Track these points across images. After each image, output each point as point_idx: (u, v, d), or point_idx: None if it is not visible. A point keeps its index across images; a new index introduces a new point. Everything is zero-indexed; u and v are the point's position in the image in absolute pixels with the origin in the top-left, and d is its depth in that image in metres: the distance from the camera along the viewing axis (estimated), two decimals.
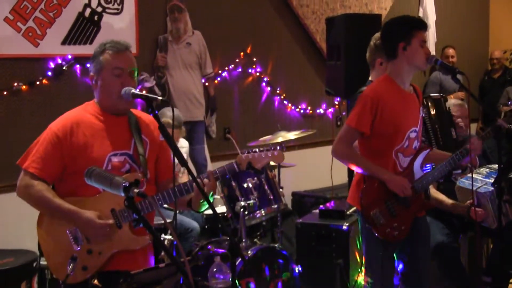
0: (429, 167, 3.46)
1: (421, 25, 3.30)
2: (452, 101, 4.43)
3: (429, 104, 4.15)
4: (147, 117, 2.85)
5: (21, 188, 2.68)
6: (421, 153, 3.36)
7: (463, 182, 4.07)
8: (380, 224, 3.25)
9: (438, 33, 8.48)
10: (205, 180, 2.66)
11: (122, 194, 2.00)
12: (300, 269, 4.12)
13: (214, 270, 2.84)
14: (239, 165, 2.67)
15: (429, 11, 8.39)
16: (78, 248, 2.61)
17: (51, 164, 2.65)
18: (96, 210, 2.61)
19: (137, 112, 2.84)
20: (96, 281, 2.57)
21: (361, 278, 4.36)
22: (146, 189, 2.73)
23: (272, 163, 4.64)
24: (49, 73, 5.01)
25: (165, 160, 2.87)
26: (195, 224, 4.71)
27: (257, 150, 2.70)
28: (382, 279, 3.31)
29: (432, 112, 4.13)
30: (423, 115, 3.49)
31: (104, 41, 2.76)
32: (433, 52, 8.24)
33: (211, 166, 5.86)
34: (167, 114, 4.61)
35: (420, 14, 8.34)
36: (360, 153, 3.36)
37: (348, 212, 4.57)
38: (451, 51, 8.27)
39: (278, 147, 2.74)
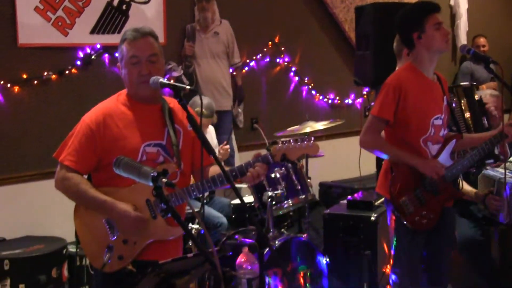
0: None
1: (432, 8, 3.24)
2: (487, 91, 4.36)
3: (459, 93, 4.08)
4: (179, 106, 2.83)
5: (59, 181, 2.70)
6: (450, 142, 3.31)
7: (489, 172, 4.00)
8: (409, 212, 3.24)
9: (469, 21, 8.33)
10: (258, 169, 2.60)
11: (151, 184, 1.99)
12: (327, 260, 4.10)
13: (242, 260, 2.85)
14: (274, 156, 2.63)
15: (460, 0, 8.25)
16: (114, 238, 2.62)
17: (85, 157, 2.65)
18: (130, 200, 2.61)
19: (171, 100, 2.81)
20: (131, 267, 2.59)
21: (388, 269, 4.32)
22: (180, 180, 2.71)
23: None
24: (78, 62, 5.04)
25: (198, 146, 2.81)
26: (223, 219, 4.70)
27: (291, 141, 2.65)
28: (409, 268, 3.29)
29: (463, 101, 4.07)
30: (454, 105, 3.44)
31: (126, 30, 2.74)
32: (464, 42, 8.11)
33: (238, 156, 5.85)
34: (198, 103, 4.58)
35: (452, 3, 8.20)
36: None
37: (376, 203, 4.53)
38: (482, 40, 8.12)
39: (312, 138, 2.67)
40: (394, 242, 3.38)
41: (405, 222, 3.24)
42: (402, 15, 3.31)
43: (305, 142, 2.63)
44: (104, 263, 2.56)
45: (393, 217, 3.31)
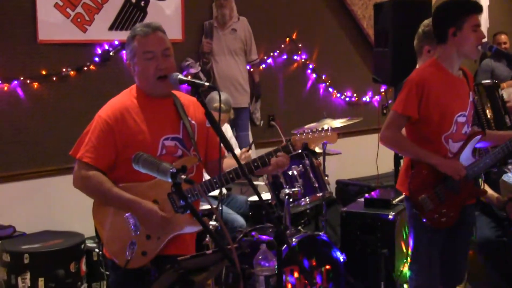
0: (481, 144, 3.36)
1: (475, 8, 3.19)
2: (510, 89, 4.31)
3: (481, 91, 4.04)
4: (190, 99, 2.81)
5: (78, 180, 2.67)
6: (472, 139, 3.28)
7: (509, 177, 3.96)
8: (428, 210, 3.21)
9: (490, 18, 8.24)
10: (280, 158, 2.61)
11: (169, 180, 2.00)
12: (344, 258, 4.08)
13: (260, 257, 2.85)
14: (294, 146, 2.63)
15: None
16: (137, 234, 2.60)
17: (104, 152, 2.63)
18: (152, 195, 2.61)
19: (179, 94, 2.81)
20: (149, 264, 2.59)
21: (406, 268, 4.30)
22: (196, 173, 2.71)
23: (318, 150, 4.64)
24: (96, 59, 5.07)
25: (214, 140, 2.84)
26: (240, 219, 4.70)
27: (309, 131, 2.65)
28: (428, 266, 3.27)
29: (485, 99, 4.03)
30: (474, 101, 3.40)
31: (134, 26, 2.73)
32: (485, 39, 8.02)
33: (255, 153, 5.84)
34: (216, 99, 4.58)
35: None
36: None
37: (393, 202, 4.51)
38: (503, 37, 8.02)
39: (330, 128, 2.68)
40: (412, 239, 3.36)
41: (424, 220, 3.22)
42: (444, 7, 3.25)
43: (324, 131, 2.65)
44: (128, 260, 2.54)
45: (413, 214, 3.29)
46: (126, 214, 2.62)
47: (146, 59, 2.64)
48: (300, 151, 2.64)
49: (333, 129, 2.70)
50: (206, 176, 2.85)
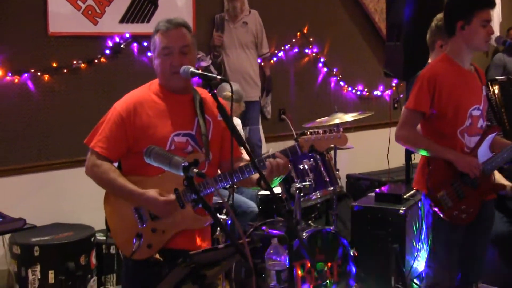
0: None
1: (487, 3, 3.14)
2: None
3: (495, 87, 4.00)
4: (210, 96, 2.80)
5: (89, 167, 2.70)
6: (489, 134, 3.24)
7: None
8: (447, 206, 3.17)
9: (503, 12, 8.16)
10: (279, 160, 2.56)
11: (181, 174, 1.98)
12: (355, 252, 4.07)
13: (271, 251, 2.83)
14: (302, 147, 2.59)
15: None
16: (143, 226, 2.63)
17: (116, 144, 2.66)
18: (159, 189, 2.61)
19: (202, 90, 2.81)
20: (157, 255, 2.60)
21: (416, 263, 4.28)
22: (208, 171, 2.70)
23: None
24: (107, 52, 5.06)
25: (228, 137, 2.80)
26: (253, 205, 4.70)
27: (320, 131, 2.61)
28: (447, 263, 3.24)
29: (498, 96, 3.98)
30: (490, 98, 3.36)
31: (159, 21, 2.73)
32: (497, 33, 7.95)
33: (265, 147, 5.83)
34: (226, 88, 4.56)
35: None
36: None
37: (404, 196, 4.48)
38: None
39: (341, 129, 2.63)
40: (431, 237, 3.33)
41: (443, 217, 3.18)
42: (454, 1, 3.21)
43: (334, 134, 2.59)
44: (134, 251, 2.57)
45: (431, 212, 3.25)
46: (132, 207, 2.63)
47: (164, 55, 2.65)
48: (308, 153, 2.56)
49: (344, 131, 2.62)
50: None
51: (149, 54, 5.01)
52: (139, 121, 2.65)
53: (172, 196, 2.55)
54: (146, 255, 2.63)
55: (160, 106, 2.69)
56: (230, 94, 4.37)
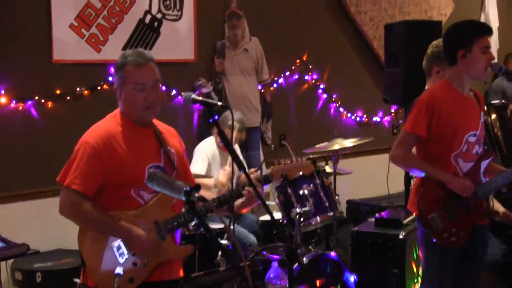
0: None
1: (485, 30, 3.23)
2: None
3: (491, 111, 4.05)
4: (166, 128, 2.85)
5: (67, 207, 2.64)
6: (484, 159, 3.29)
7: None
8: (438, 228, 3.20)
9: (500, 39, 8.27)
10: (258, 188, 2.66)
11: (183, 198, 2.03)
12: (355, 277, 4.08)
13: (271, 275, 2.86)
14: (273, 176, 2.75)
15: (491, 17, 8.21)
16: (123, 261, 2.60)
17: (93, 179, 2.61)
18: (138, 222, 2.61)
19: (156, 122, 2.81)
20: None
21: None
22: (179, 201, 2.68)
23: (328, 170, 4.66)
24: (110, 78, 5.12)
25: (188, 170, 2.90)
26: (252, 238, 4.71)
27: (288, 161, 2.79)
28: (439, 286, 3.25)
29: (494, 120, 4.04)
30: (486, 123, 3.42)
31: (125, 52, 2.72)
32: (495, 60, 8.03)
33: (266, 173, 5.86)
34: (231, 118, 4.61)
35: (482, 20, 8.15)
36: None
37: (404, 221, 4.50)
38: None
39: (304, 158, 2.84)
40: (423, 258, 3.36)
41: (434, 239, 3.22)
42: (453, 29, 3.29)
43: (299, 161, 2.81)
44: (116, 286, 2.51)
45: (424, 234, 3.29)
46: (112, 243, 2.61)
47: (136, 90, 2.64)
48: (281, 181, 2.75)
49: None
50: None
51: None
52: (115, 153, 2.62)
53: (154, 233, 2.58)
54: None
55: (129, 139, 2.67)
56: (235, 124, 4.47)
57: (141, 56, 2.66)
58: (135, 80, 2.64)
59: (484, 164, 3.28)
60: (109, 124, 2.73)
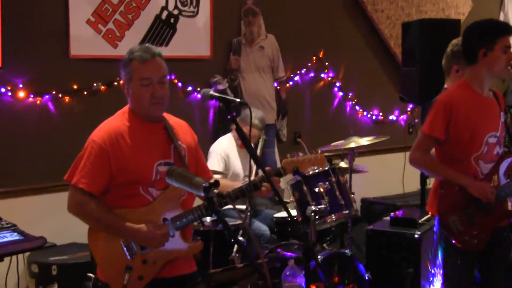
0: None
1: (506, 30, 3.21)
2: None
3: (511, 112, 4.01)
4: (178, 122, 2.81)
5: (73, 206, 2.65)
6: (504, 160, 3.25)
7: None
8: (458, 231, 3.18)
9: None
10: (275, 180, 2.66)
11: (202, 194, 2.03)
12: (370, 276, 4.07)
13: (288, 273, 2.86)
14: (285, 169, 2.71)
15: (510, 16, 8.13)
16: (133, 258, 2.59)
17: (100, 178, 2.60)
18: (147, 219, 2.59)
19: (168, 116, 2.78)
20: None
21: None
22: (186, 198, 2.69)
23: (343, 165, 4.64)
24: None
25: (202, 162, 2.87)
26: (265, 228, 4.72)
27: (300, 154, 2.77)
28: None
29: None
30: (507, 124, 3.38)
31: (132, 48, 2.69)
32: None
33: None
34: (253, 116, 4.60)
35: (501, 19, 8.09)
36: None
37: (419, 221, 4.48)
38: None
39: (319, 151, 2.82)
40: (444, 261, 3.32)
41: (453, 241, 3.19)
42: (474, 28, 3.26)
43: (313, 155, 2.78)
44: (125, 284, 2.52)
45: (444, 236, 3.25)
46: (121, 241, 2.60)
47: (142, 85, 2.61)
48: (293, 175, 2.74)
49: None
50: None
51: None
52: (123, 151, 2.60)
53: (166, 227, 2.56)
54: (138, 287, 2.60)
55: (138, 136, 2.65)
56: (257, 122, 4.49)
57: (147, 51, 2.63)
58: (141, 76, 2.61)
59: (504, 164, 3.25)
60: (117, 121, 2.70)
